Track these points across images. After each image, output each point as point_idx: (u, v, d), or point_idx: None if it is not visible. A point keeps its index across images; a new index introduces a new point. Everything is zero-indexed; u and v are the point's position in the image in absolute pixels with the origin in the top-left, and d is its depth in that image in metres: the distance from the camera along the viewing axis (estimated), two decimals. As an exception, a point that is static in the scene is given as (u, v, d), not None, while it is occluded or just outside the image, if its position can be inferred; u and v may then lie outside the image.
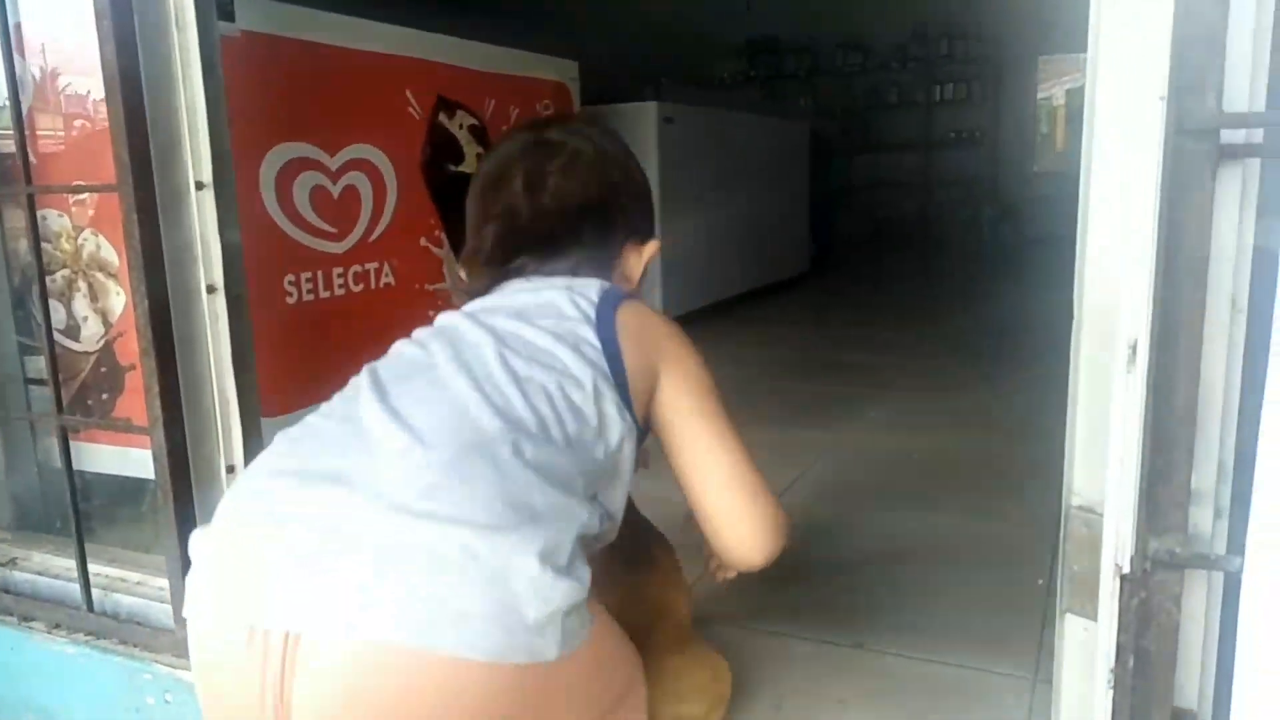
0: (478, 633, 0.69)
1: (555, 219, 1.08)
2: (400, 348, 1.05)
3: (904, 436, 2.67)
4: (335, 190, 2.27)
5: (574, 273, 1.07)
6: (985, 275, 6.36)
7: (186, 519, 1.49)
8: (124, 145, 1.40)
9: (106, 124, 1.80)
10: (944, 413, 2.90)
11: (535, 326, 0.97)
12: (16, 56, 1.63)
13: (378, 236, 2.40)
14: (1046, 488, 2.06)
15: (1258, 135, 0.82)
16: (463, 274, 1.16)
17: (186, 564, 1.49)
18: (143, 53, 1.42)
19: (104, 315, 1.92)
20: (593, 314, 0.98)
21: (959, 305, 5.26)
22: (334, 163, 2.27)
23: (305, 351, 2.20)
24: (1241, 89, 0.82)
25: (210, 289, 1.52)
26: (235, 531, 0.80)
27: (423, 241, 2.58)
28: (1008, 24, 8.39)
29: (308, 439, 0.89)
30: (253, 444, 1.59)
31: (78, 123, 1.84)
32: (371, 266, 2.38)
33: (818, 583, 1.75)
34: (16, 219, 1.90)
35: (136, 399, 1.90)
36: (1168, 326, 0.81)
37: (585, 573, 0.78)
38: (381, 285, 2.42)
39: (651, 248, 1.14)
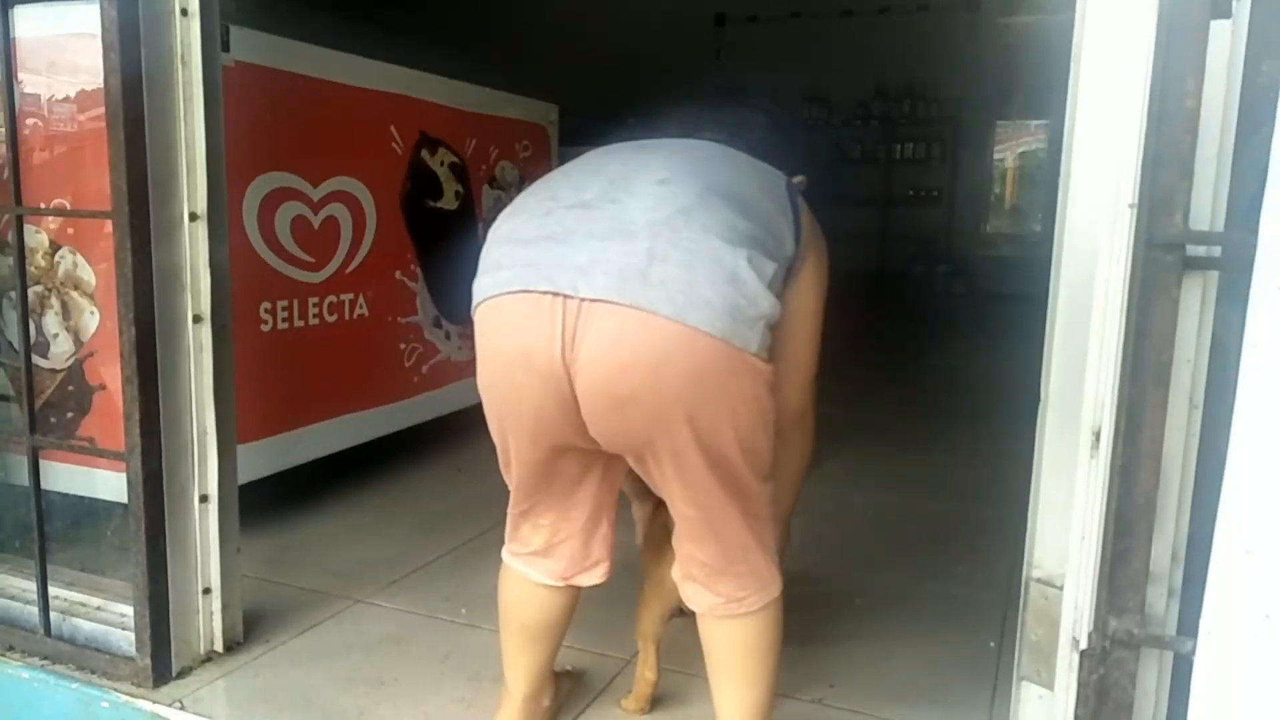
0: (714, 315, 1.00)
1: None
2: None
3: (861, 492, 2.73)
4: (316, 221, 2.29)
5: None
6: (938, 330, 6.54)
7: (158, 547, 1.49)
8: (122, 174, 1.41)
9: (65, 127, 1.79)
10: (899, 469, 2.98)
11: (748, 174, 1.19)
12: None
13: (355, 268, 2.42)
14: (997, 549, 2.14)
15: (1217, 250, 0.90)
16: None
17: (156, 590, 1.49)
18: (147, 86, 1.43)
19: (75, 334, 1.90)
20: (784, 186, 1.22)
21: (913, 359, 5.39)
22: (316, 193, 2.28)
23: (277, 379, 2.19)
24: (1205, 207, 0.89)
25: (197, 318, 1.53)
26: (543, 231, 1.07)
27: (398, 275, 2.60)
28: (967, 88, 8.69)
29: (575, 184, 1.13)
30: (228, 473, 1.60)
31: (30, 121, 1.81)
32: (347, 297, 2.40)
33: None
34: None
35: (103, 420, 1.88)
36: (1133, 421, 0.87)
37: (778, 305, 1.06)
38: (355, 316, 2.43)
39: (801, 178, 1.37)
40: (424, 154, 2.67)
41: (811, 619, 1.86)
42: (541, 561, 1.29)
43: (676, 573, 1.25)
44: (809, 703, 1.54)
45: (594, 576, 1.30)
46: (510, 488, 1.27)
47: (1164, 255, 0.84)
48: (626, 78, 8.80)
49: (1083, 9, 1.03)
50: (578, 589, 1.32)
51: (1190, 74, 0.81)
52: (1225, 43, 0.87)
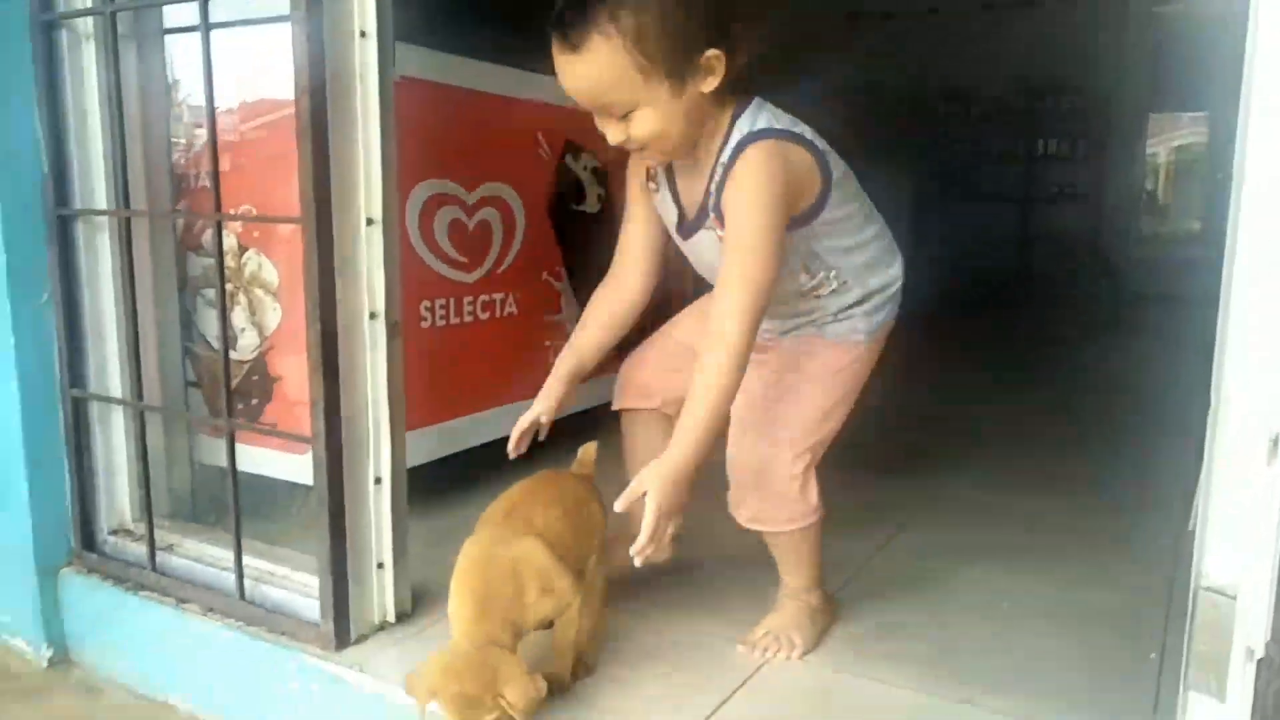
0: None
1: None
2: None
3: (998, 495, 2.67)
4: (471, 224, 2.41)
5: None
6: (1082, 333, 6.26)
7: (339, 524, 1.62)
8: (309, 184, 1.54)
9: (242, 135, 1.96)
10: (1038, 472, 2.88)
11: None
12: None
13: (505, 269, 2.54)
14: (1153, 558, 2.07)
15: None
16: None
17: (338, 564, 1.62)
18: (330, 103, 1.55)
19: (260, 329, 2.08)
20: None
21: (1055, 362, 5.18)
22: (471, 198, 2.41)
23: (436, 372, 2.33)
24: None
25: (373, 315, 1.65)
26: None
27: (544, 275, 2.71)
28: (1117, 80, 8.27)
29: None
30: (399, 457, 1.71)
31: (199, 130, 1.99)
32: (498, 297, 2.52)
33: (918, 637, 1.78)
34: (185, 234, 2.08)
35: (281, 407, 2.06)
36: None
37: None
38: (505, 314, 2.55)
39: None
40: (569, 160, 2.76)
41: (952, 623, 1.84)
42: None
43: None
44: (956, 703, 1.53)
45: None
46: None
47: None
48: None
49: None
50: None
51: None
52: None
